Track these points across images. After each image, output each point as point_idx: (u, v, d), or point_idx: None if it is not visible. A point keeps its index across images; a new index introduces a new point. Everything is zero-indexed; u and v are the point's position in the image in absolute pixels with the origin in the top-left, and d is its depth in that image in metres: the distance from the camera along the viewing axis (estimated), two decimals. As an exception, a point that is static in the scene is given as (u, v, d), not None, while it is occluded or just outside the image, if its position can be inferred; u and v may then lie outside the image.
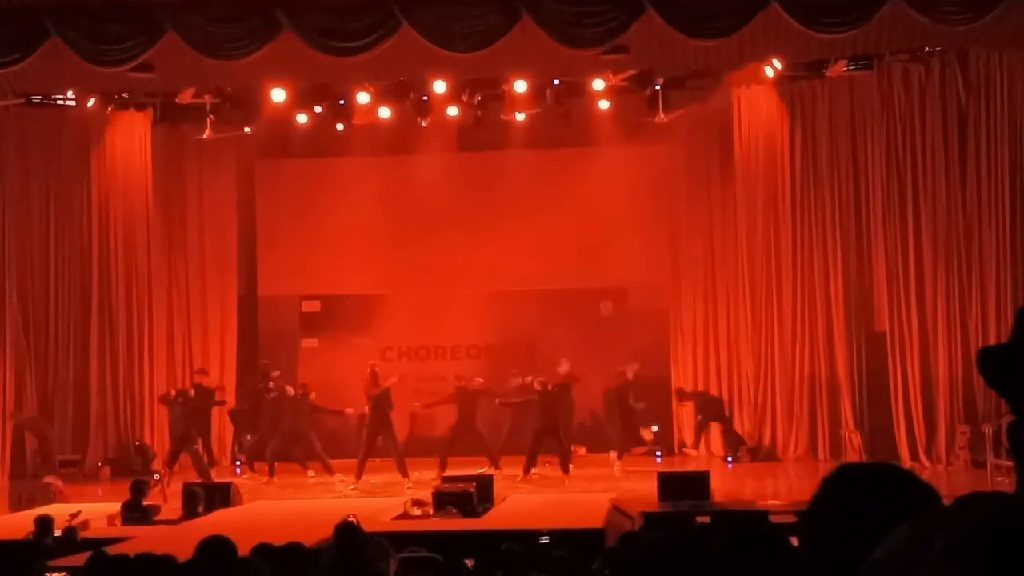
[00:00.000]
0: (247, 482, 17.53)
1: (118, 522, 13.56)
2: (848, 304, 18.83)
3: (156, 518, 13.55)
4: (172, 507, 14.32)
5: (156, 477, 15.62)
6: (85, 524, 12.60)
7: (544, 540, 10.80)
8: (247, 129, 19.77)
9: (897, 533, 1.39)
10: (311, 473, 17.97)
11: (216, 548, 6.00)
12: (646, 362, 19.80)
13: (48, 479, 16.73)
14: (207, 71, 16.18)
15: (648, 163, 20.89)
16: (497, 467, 17.36)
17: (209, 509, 13.81)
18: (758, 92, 19.26)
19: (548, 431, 17.31)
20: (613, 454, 18.27)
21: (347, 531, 7.97)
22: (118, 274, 20.07)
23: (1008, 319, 17.11)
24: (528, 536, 10.04)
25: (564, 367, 18.04)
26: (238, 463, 19.42)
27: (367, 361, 18.33)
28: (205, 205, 21.21)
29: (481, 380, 18.80)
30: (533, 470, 17.41)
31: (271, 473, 17.94)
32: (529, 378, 18.16)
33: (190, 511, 13.75)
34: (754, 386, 19.27)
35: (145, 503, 13.63)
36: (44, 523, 10.94)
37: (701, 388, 20.23)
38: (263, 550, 6.76)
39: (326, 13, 14.77)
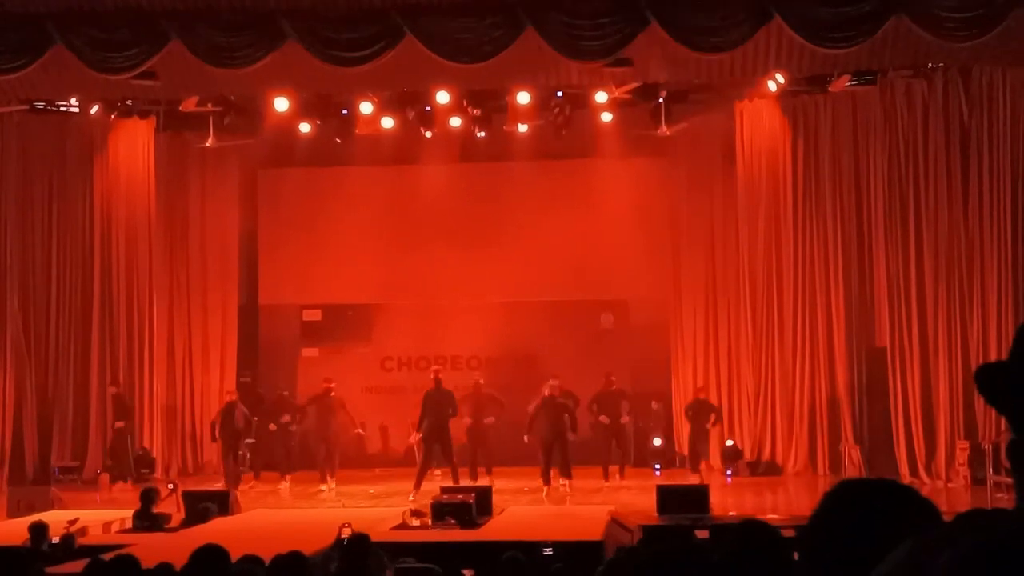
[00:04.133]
0: (247, 490, 17.55)
1: (115, 529, 13.55)
2: (849, 319, 18.83)
3: (167, 526, 13.47)
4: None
5: (171, 486, 15.56)
6: (83, 531, 12.58)
7: (547, 552, 10.77)
8: (254, 136, 19.82)
9: (898, 550, 1.39)
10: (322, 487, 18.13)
11: (210, 556, 6.00)
12: (647, 375, 19.80)
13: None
14: (211, 79, 16.18)
15: (650, 176, 20.91)
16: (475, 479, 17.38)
17: (208, 517, 13.77)
18: (761, 106, 19.29)
19: (555, 439, 17.29)
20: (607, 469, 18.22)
21: (357, 543, 7.95)
22: (119, 281, 20.08)
23: (1009, 336, 17.09)
24: (528, 547, 10.01)
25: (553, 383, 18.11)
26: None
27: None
28: (207, 213, 21.22)
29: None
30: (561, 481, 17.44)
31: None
32: (556, 382, 18.13)
33: (191, 519, 13.71)
34: (754, 400, 19.26)
35: (156, 511, 13.55)
36: (38, 530, 10.92)
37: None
38: (256, 559, 6.75)
39: (330, 23, 14.77)
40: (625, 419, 18.41)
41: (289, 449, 19.22)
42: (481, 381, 18.82)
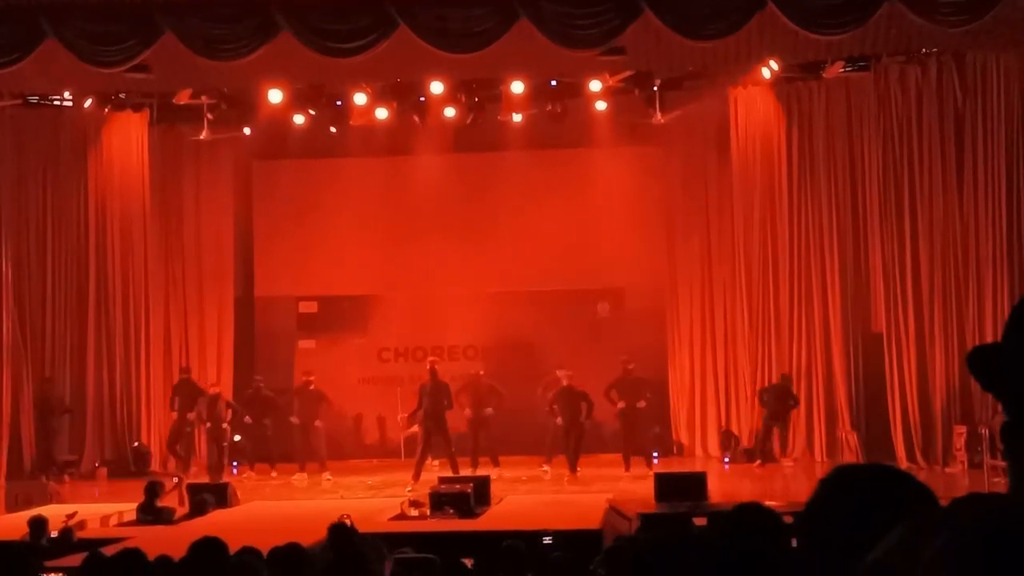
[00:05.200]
0: (244, 482, 17.55)
1: (114, 522, 13.56)
2: (845, 305, 18.84)
3: (172, 520, 13.44)
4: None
5: (175, 480, 15.55)
6: (82, 525, 12.59)
7: (547, 540, 10.79)
8: (246, 130, 19.79)
9: (893, 534, 1.40)
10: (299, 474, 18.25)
11: (208, 549, 6.01)
12: (643, 363, 19.81)
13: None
14: (204, 72, 16.17)
15: (645, 164, 20.90)
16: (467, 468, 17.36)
17: (206, 510, 13.78)
18: (755, 93, 19.27)
19: (571, 427, 17.35)
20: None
21: (340, 531, 7.97)
22: (115, 275, 20.05)
23: (1004, 319, 17.12)
24: (526, 537, 10.03)
25: (561, 373, 18.10)
26: (235, 464, 19.37)
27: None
28: (202, 206, 21.19)
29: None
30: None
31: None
32: (561, 372, 18.12)
33: (193, 512, 13.72)
34: (751, 387, 19.26)
35: (159, 504, 13.54)
36: (38, 524, 10.93)
37: (698, 388, 20.23)
38: (254, 551, 6.76)
39: (323, 14, 14.76)
40: (642, 404, 18.29)
41: (266, 442, 19.09)
42: (481, 372, 18.81)
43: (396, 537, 10.23)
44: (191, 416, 18.94)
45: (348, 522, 9.95)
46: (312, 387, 18.82)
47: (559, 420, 17.56)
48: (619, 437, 18.50)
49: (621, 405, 17.97)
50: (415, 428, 17.86)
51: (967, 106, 17.79)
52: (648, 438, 19.09)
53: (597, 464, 18.21)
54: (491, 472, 16.94)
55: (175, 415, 19.20)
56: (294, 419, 18.63)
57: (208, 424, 18.46)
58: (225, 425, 18.38)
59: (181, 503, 14.44)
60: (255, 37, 14.84)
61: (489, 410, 18.30)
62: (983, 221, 17.67)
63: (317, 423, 18.61)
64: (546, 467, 17.79)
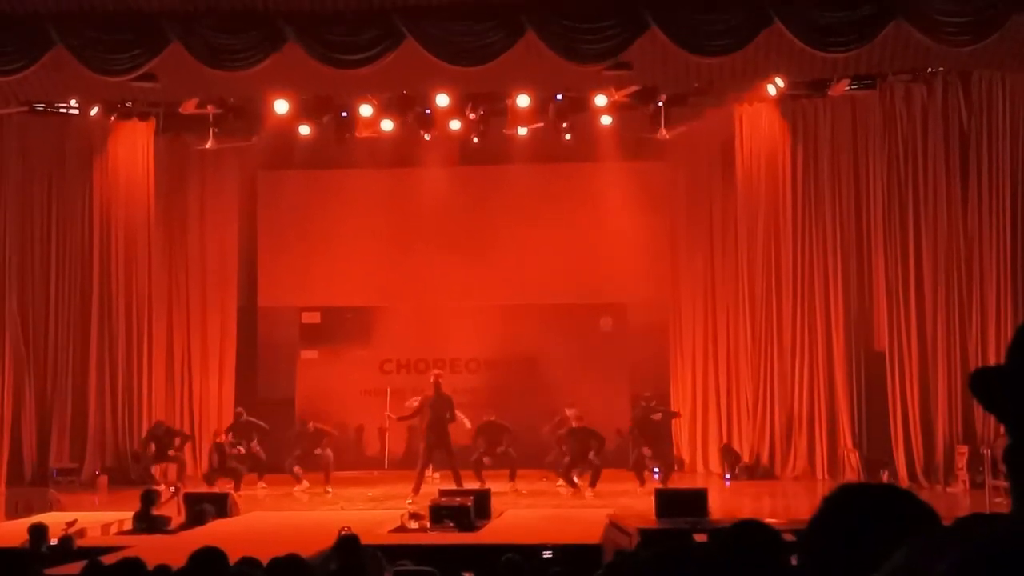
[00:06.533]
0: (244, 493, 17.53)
1: (114, 531, 13.55)
2: (848, 323, 18.82)
3: (167, 529, 13.43)
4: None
5: (173, 489, 15.52)
6: (82, 533, 12.58)
7: (547, 555, 10.78)
8: (253, 138, 19.80)
9: (897, 554, 1.40)
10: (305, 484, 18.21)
11: (208, 558, 6.01)
12: (645, 379, 19.80)
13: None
14: (210, 82, 16.20)
15: (649, 179, 20.91)
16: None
17: (205, 520, 13.76)
18: (760, 110, 19.28)
19: (582, 460, 17.49)
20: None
21: (349, 544, 7.97)
22: (118, 283, 20.06)
23: (1007, 340, 17.07)
24: (526, 551, 10.01)
25: (571, 412, 18.18)
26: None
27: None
28: (206, 215, 21.20)
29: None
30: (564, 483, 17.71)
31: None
32: (570, 411, 18.21)
33: (191, 522, 13.71)
34: (753, 404, 19.24)
35: (156, 513, 13.53)
36: (38, 531, 10.93)
37: (700, 404, 20.19)
38: (254, 561, 6.76)
39: (330, 26, 14.79)
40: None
41: (260, 461, 18.98)
42: (493, 418, 18.76)
43: (396, 549, 10.23)
44: (171, 454, 19.12)
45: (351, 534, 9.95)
46: (311, 429, 18.78)
47: (567, 460, 17.64)
48: (622, 453, 18.49)
49: (648, 452, 17.93)
50: (415, 406, 17.95)
51: (972, 125, 17.79)
52: (647, 453, 19.12)
53: (604, 479, 18.16)
54: (506, 486, 17.05)
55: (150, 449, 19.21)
56: (298, 453, 18.60)
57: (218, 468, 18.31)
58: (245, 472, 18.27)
59: (178, 512, 14.43)
60: (262, 48, 14.87)
61: (502, 448, 18.41)
62: (987, 241, 17.66)
63: (318, 451, 18.58)
64: (561, 483, 17.80)
